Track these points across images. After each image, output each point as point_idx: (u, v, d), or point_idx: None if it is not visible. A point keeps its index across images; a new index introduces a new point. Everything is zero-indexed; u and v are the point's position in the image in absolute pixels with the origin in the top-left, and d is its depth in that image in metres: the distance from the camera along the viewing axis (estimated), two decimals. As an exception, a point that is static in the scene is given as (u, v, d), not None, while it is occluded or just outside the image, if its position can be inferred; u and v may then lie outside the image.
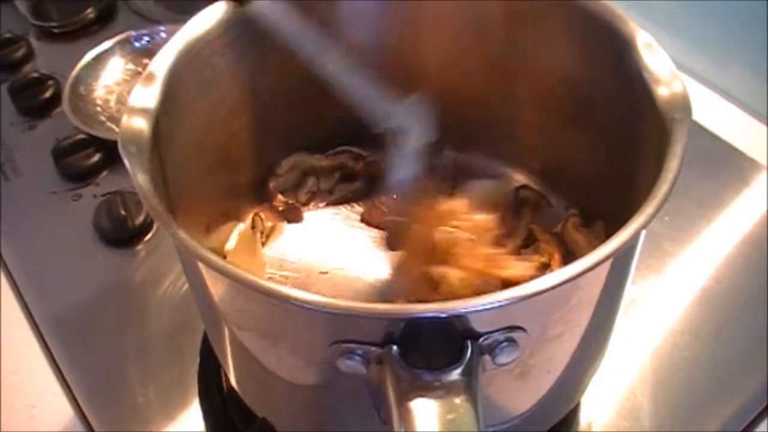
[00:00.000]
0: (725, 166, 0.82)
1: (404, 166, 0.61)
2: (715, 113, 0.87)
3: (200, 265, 0.46)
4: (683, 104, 0.49)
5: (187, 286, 0.73)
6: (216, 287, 0.48)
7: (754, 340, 0.69)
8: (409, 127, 0.60)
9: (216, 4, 0.60)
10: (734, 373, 0.67)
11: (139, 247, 0.78)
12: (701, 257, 0.75)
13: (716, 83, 0.90)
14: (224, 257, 0.69)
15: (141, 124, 0.51)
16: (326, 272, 0.69)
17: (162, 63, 0.55)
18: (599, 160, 0.62)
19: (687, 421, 0.64)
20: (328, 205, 0.74)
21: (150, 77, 0.54)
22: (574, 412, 0.64)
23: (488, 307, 0.40)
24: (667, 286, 0.73)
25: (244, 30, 0.61)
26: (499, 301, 0.40)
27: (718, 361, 0.68)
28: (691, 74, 0.87)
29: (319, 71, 0.56)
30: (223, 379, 0.67)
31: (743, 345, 0.69)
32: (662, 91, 0.50)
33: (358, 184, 0.74)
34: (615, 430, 0.64)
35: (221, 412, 0.66)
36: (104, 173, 0.85)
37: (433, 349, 0.42)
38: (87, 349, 0.71)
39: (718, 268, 0.74)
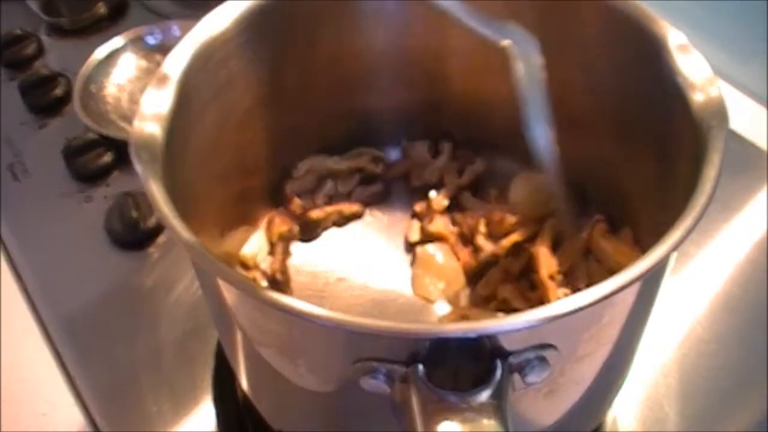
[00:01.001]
0: (747, 165, 0.80)
1: (528, 87, 0.55)
2: (738, 112, 0.85)
3: (217, 279, 0.44)
4: (719, 111, 0.47)
5: (201, 290, 0.71)
6: (232, 300, 0.46)
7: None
8: (521, 48, 0.54)
9: (229, 3, 0.58)
10: (761, 383, 0.65)
11: (152, 249, 0.76)
12: (724, 261, 0.73)
13: (740, 81, 0.88)
14: (241, 263, 0.67)
15: (154, 129, 0.49)
16: (344, 279, 0.67)
17: (175, 64, 0.53)
18: (628, 166, 0.60)
19: (714, 433, 0.62)
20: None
21: (163, 79, 0.52)
22: (599, 425, 0.62)
23: (520, 326, 0.38)
24: (690, 292, 0.71)
25: (259, 29, 0.59)
26: (531, 321, 0.38)
27: (744, 371, 0.66)
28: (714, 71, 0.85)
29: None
30: (238, 387, 0.65)
31: (769, 352, 0.67)
32: (698, 97, 0.48)
33: (377, 186, 0.72)
34: (641, 443, 0.62)
35: (236, 421, 0.64)
36: (115, 173, 0.83)
37: (461, 368, 0.40)
38: (98, 355, 0.70)
39: (742, 272, 0.72)
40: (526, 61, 0.55)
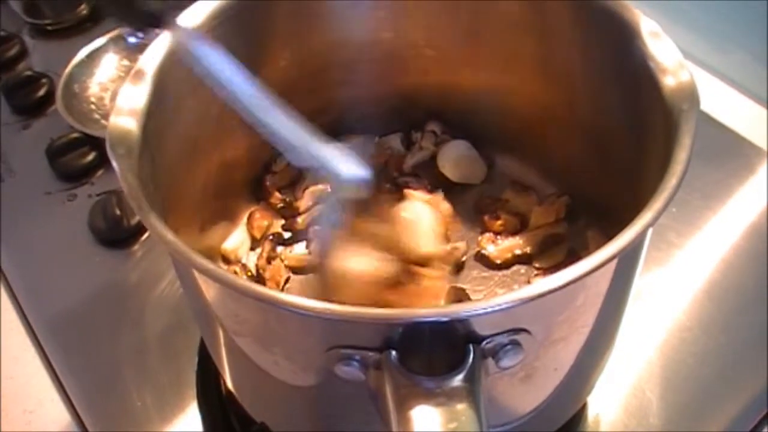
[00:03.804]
0: (730, 154, 0.81)
1: (327, 214, 0.57)
2: (719, 100, 0.85)
3: (192, 270, 0.44)
4: (690, 94, 0.48)
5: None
6: (209, 292, 0.46)
7: (762, 334, 0.67)
8: (335, 174, 0.53)
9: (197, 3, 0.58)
10: (743, 369, 0.66)
11: (135, 247, 0.77)
12: (707, 249, 0.73)
13: (719, 69, 0.88)
14: (222, 257, 0.67)
15: (130, 124, 0.50)
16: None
17: (151, 60, 0.54)
18: (602, 151, 0.60)
19: (696, 419, 0.63)
20: (326, 201, 0.72)
21: (138, 75, 0.53)
22: (581, 410, 0.62)
23: (492, 310, 0.39)
24: (673, 279, 0.71)
25: (234, 25, 0.59)
26: (502, 304, 0.39)
27: (726, 357, 0.66)
28: (693, 60, 0.85)
29: (241, 111, 0.52)
30: (222, 381, 0.65)
31: (751, 339, 0.67)
32: (669, 81, 0.49)
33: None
34: (623, 429, 0.62)
35: (219, 415, 0.65)
36: (99, 172, 0.84)
37: (434, 353, 0.40)
38: (83, 352, 0.70)
39: (725, 259, 0.73)
40: (349, 184, 0.54)
